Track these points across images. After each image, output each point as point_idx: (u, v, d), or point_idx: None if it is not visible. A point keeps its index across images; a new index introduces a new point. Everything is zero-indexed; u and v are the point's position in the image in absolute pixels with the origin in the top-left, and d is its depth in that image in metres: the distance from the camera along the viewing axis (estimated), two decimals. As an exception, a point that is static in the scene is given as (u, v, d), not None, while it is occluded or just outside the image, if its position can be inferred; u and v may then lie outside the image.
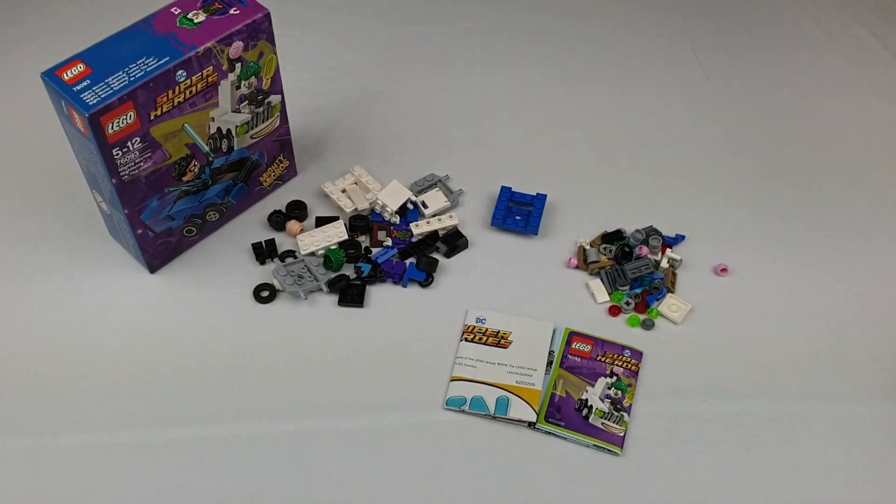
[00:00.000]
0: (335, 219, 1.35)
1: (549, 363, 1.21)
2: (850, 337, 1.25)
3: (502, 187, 1.39)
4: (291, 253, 1.31)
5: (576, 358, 1.22)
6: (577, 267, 1.33)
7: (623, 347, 1.23)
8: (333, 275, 1.29)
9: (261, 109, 1.27)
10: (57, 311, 1.25)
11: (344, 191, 1.38)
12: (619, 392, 1.19)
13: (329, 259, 1.29)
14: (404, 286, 1.29)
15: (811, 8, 1.77)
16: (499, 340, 1.23)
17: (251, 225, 1.36)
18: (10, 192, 1.38)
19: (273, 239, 1.33)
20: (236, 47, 1.15)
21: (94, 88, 1.05)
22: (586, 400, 1.18)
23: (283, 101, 1.29)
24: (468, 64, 1.63)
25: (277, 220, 1.35)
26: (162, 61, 1.09)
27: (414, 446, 1.14)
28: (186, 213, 1.28)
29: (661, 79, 1.62)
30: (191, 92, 1.14)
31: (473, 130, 1.51)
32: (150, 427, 1.14)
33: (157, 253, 1.28)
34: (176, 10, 1.15)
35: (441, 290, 1.30)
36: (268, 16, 1.16)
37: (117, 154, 1.10)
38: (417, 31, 1.69)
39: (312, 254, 1.31)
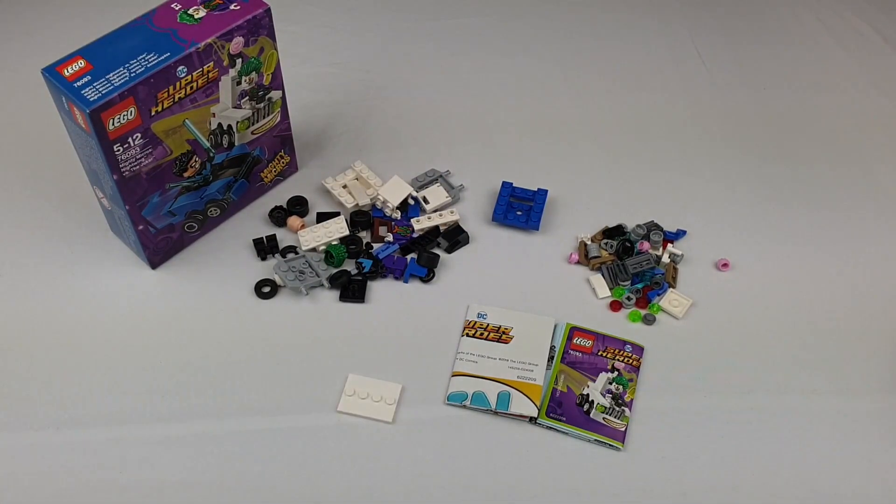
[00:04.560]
0: (336, 214, 1.35)
1: (551, 358, 1.21)
2: (851, 331, 1.25)
3: (503, 182, 1.39)
4: (292, 248, 1.31)
5: (577, 353, 1.22)
6: (578, 262, 1.33)
7: (624, 342, 1.23)
8: (334, 270, 1.29)
9: (261, 105, 1.26)
10: (58, 308, 1.25)
11: (345, 186, 1.38)
12: (621, 387, 1.19)
13: (330, 254, 1.29)
14: (405, 281, 1.29)
15: (812, 2, 1.77)
16: (500, 336, 1.23)
17: (252, 221, 1.36)
18: (11, 189, 1.38)
19: (274, 234, 1.33)
20: (237, 43, 1.15)
21: (94, 84, 1.05)
22: (587, 395, 1.18)
23: (283, 97, 1.29)
24: (469, 59, 1.63)
25: (278, 216, 1.35)
26: (162, 57, 1.09)
27: (415, 441, 1.14)
28: (187, 209, 1.28)
29: (662, 73, 1.62)
30: (191, 88, 1.14)
31: (474, 126, 1.51)
32: (150, 422, 1.14)
33: (158, 249, 1.28)
34: (176, 6, 1.14)
35: (442, 285, 1.30)
36: (268, 11, 1.16)
37: (118, 150, 1.10)
38: (418, 25, 1.68)
39: (313, 249, 1.31)
